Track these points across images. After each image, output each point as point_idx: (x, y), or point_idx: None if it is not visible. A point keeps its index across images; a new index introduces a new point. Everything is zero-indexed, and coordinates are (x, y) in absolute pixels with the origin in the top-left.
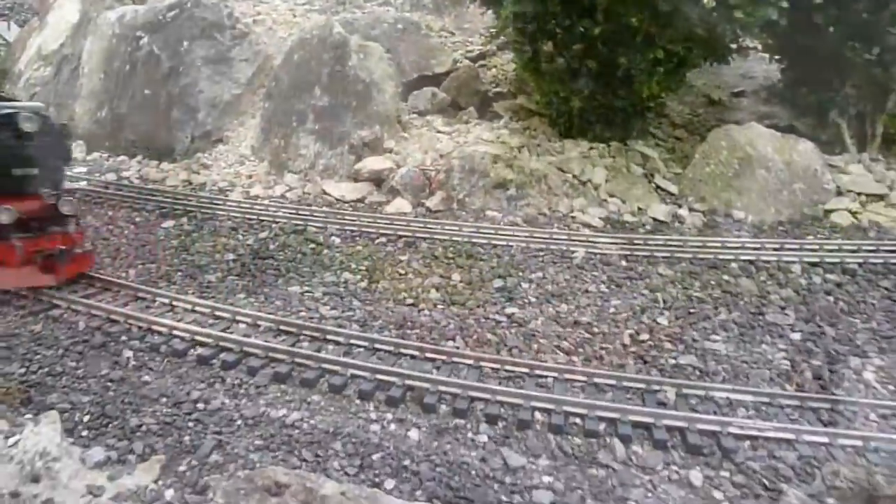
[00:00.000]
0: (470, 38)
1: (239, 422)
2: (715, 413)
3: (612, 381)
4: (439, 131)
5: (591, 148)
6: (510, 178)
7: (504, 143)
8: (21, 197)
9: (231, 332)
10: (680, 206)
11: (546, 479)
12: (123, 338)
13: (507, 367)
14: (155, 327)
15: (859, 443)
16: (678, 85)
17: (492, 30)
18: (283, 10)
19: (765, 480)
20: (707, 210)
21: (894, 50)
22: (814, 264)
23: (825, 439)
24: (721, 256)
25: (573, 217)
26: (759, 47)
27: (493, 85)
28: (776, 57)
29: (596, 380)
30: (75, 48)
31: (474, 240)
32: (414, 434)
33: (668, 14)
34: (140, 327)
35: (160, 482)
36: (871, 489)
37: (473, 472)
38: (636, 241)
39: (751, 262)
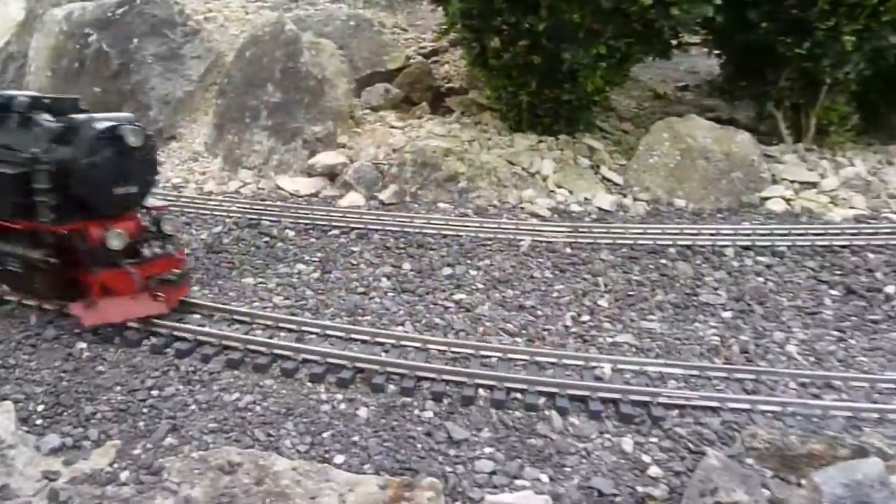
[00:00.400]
0: (423, 35)
1: (193, 406)
2: (647, 385)
3: (553, 360)
4: (392, 126)
5: (541, 141)
6: (461, 171)
7: (455, 137)
8: (120, 218)
9: (185, 323)
10: (625, 196)
11: (488, 449)
12: (76, 330)
13: (454, 349)
14: None
15: (778, 408)
16: (622, 79)
17: (442, 26)
18: (236, 7)
19: (690, 444)
20: (651, 199)
21: (823, 45)
22: (746, 248)
23: (747, 406)
24: (660, 242)
25: (522, 208)
26: (699, 42)
27: (446, 80)
28: (716, 52)
29: (537, 358)
30: (21, 46)
31: (425, 230)
32: (363, 412)
33: (609, 11)
34: None
35: (115, 465)
36: (786, 448)
37: (419, 446)
38: (581, 230)
39: (688, 246)
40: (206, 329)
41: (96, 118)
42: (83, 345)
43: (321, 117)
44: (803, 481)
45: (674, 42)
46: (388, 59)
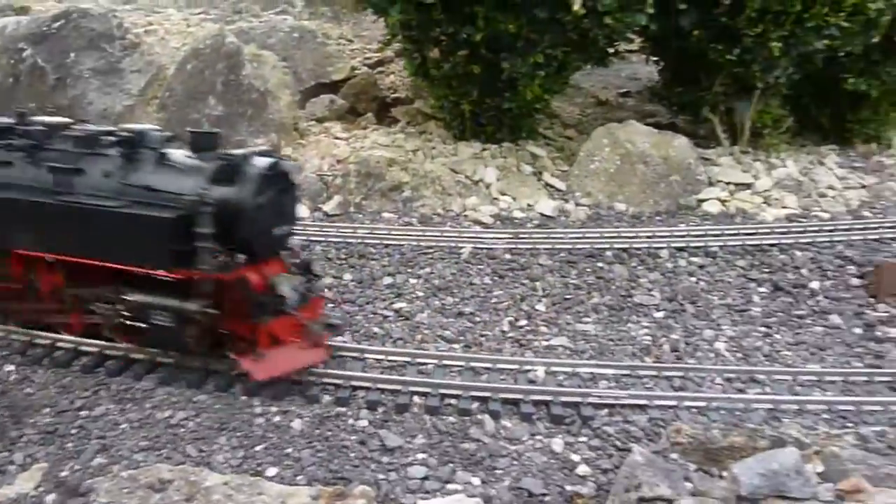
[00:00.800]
0: (369, 46)
1: (124, 425)
2: (579, 386)
3: (488, 364)
4: (337, 137)
5: (484, 149)
6: (405, 181)
7: (400, 147)
8: (271, 260)
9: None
10: (567, 201)
11: (421, 455)
12: (4, 352)
13: (391, 357)
14: (37, 341)
15: (703, 403)
16: (561, 87)
17: (386, 37)
18: (177, 20)
19: (617, 442)
20: (592, 204)
21: (752, 51)
22: (680, 249)
23: (674, 402)
24: (597, 246)
25: (466, 215)
26: (637, 50)
27: (392, 91)
28: (653, 59)
29: (473, 364)
30: None
31: (367, 241)
32: (297, 424)
33: (544, 21)
34: (22, 341)
35: (41, 488)
36: (708, 442)
37: (353, 455)
38: (521, 235)
39: (624, 249)
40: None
41: (252, 154)
42: (10, 367)
43: (264, 130)
44: (724, 473)
45: (610, 50)
46: (332, 70)
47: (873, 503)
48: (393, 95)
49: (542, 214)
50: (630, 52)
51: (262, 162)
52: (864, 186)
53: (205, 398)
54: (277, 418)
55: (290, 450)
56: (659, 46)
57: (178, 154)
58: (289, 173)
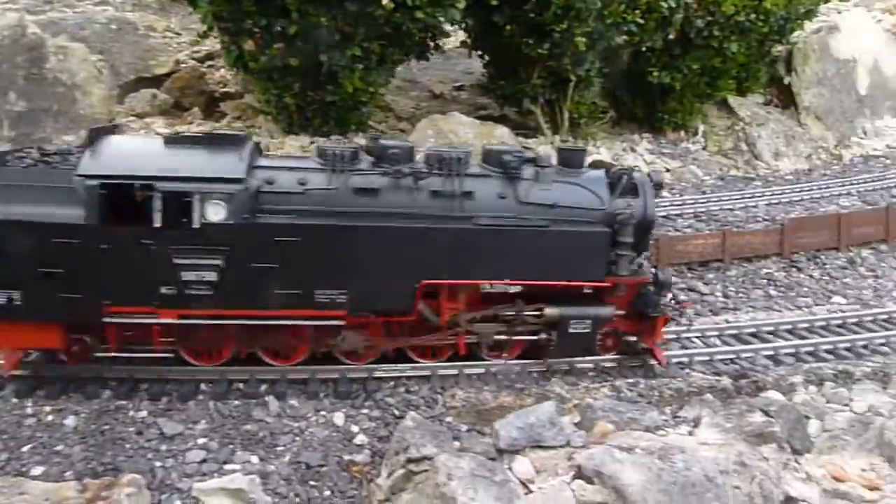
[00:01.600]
0: (198, 39)
1: None
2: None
3: None
4: (158, 133)
5: (313, 142)
6: None
7: None
8: None
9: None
10: None
11: (201, 440)
12: None
13: None
14: None
15: (482, 370)
16: (386, 80)
17: (203, 30)
18: None
19: (396, 411)
20: None
21: (560, 45)
22: None
23: (455, 371)
24: None
25: None
26: (460, 45)
27: (221, 85)
28: (478, 53)
29: None
30: None
31: None
32: (71, 421)
33: (355, 14)
34: None
35: None
36: (480, 404)
37: (128, 446)
38: None
39: None
40: None
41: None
42: None
43: (73, 126)
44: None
45: (430, 44)
46: (155, 63)
47: (615, 442)
48: (222, 90)
49: None
50: (460, 46)
51: (641, 175)
52: (668, 170)
53: None
54: (50, 417)
55: (60, 447)
56: (479, 41)
57: (551, 171)
58: (661, 184)
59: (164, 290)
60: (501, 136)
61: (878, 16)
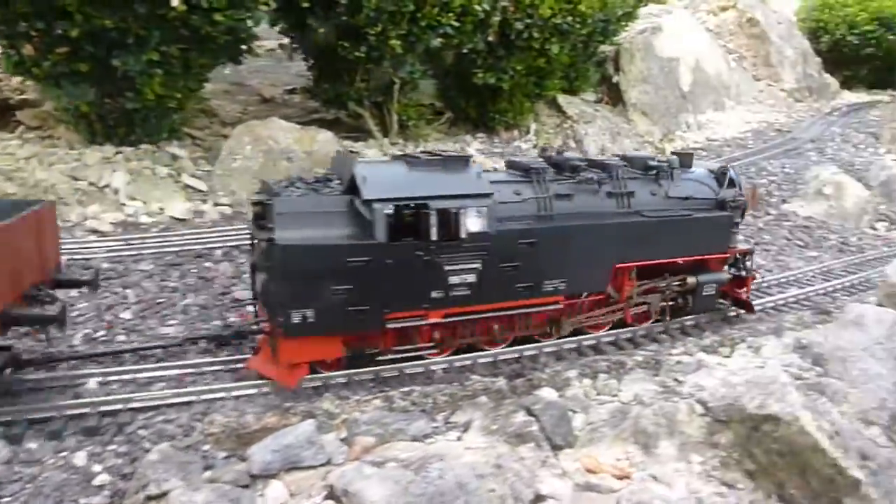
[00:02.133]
0: None
1: None
2: (131, 392)
3: (32, 385)
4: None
5: (118, 152)
6: (11, 193)
7: (11, 155)
8: None
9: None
10: (206, 202)
11: None
12: None
13: None
14: None
15: (254, 391)
16: (198, 85)
17: None
18: None
19: (147, 444)
20: (234, 202)
21: (378, 48)
22: None
23: (222, 395)
24: (209, 245)
25: (83, 225)
26: (280, 48)
27: (19, 92)
28: (301, 56)
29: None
30: None
31: None
32: None
33: (145, 17)
34: None
35: None
36: (241, 428)
37: None
38: (132, 242)
39: (236, 246)
40: None
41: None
42: None
43: None
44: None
45: (243, 47)
46: None
47: (370, 457)
48: (20, 97)
49: (173, 217)
50: (278, 49)
51: (734, 171)
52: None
53: None
54: None
55: None
56: (299, 44)
57: (679, 171)
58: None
59: (434, 293)
60: (323, 141)
61: (703, 17)
